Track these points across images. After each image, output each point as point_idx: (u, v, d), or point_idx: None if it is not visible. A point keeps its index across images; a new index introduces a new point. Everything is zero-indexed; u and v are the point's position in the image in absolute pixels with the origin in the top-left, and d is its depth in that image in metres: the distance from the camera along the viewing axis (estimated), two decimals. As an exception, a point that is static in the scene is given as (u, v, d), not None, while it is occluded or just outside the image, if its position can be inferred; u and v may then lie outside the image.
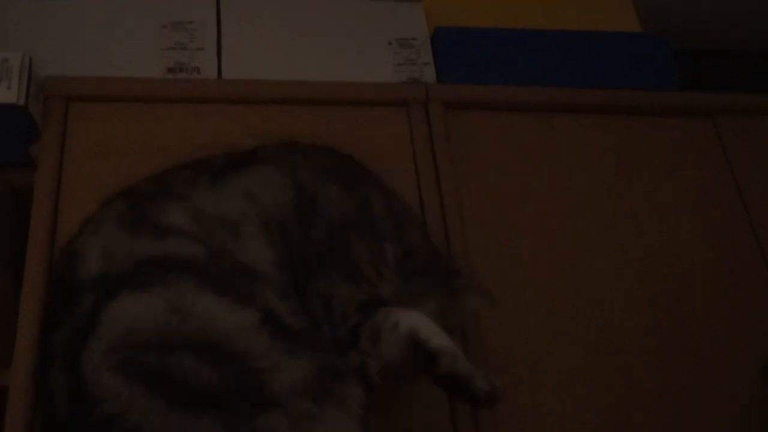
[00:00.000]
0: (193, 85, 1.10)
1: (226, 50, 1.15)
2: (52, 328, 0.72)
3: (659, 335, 1.07)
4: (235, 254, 0.73)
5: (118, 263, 0.71)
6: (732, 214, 1.19)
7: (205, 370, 0.63)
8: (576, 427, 0.98)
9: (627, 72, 1.31)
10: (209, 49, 1.14)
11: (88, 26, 1.13)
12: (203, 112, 1.06)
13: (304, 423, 0.63)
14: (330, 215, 0.80)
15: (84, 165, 0.98)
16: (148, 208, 0.77)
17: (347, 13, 1.24)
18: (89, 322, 0.66)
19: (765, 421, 1.04)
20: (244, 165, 0.84)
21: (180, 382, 0.62)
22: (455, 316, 0.83)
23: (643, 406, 1.02)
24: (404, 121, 1.13)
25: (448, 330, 0.76)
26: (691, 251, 1.14)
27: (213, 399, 0.62)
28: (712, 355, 1.07)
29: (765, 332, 1.11)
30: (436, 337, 0.73)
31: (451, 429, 0.92)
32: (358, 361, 0.73)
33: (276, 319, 0.68)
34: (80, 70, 1.06)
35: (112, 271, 0.71)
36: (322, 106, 1.11)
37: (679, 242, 1.15)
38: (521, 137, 1.17)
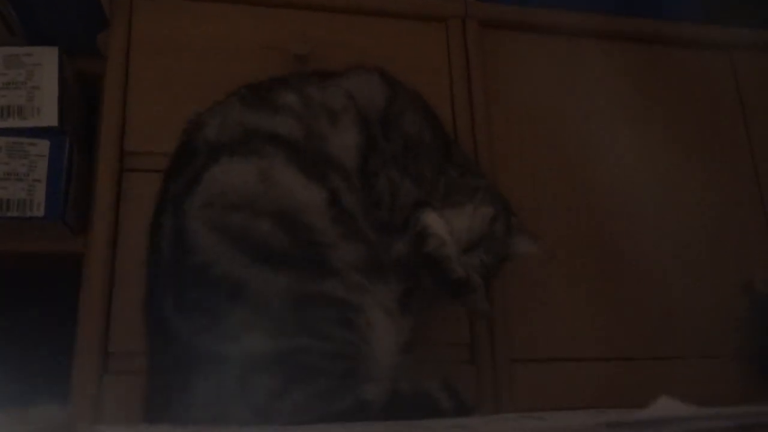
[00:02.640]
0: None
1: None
2: (169, 179, 0.83)
3: (659, 252, 1.19)
4: (326, 139, 0.84)
5: (230, 132, 0.82)
6: (736, 147, 1.29)
7: (280, 234, 0.74)
8: (579, 337, 1.11)
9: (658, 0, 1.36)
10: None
11: None
12: (257, 15, 1.12)
13: (357, 291, 0.76)
14: (409, 132, 0.91)
15: (147, 57, 1.06)
16: (267, 92, 0.88)
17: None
18: (195, 180, 0.77)
19: (741, 326, 1.17)
20: (350, 71, 0.95)
21: (260, 242, 0.74)
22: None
23: (641, 314, 1.15)
24: (442, 36, 1.19)
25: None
26: (695, 180, 1.24)
27: (286, 259, 0.73)
28: (703, 274, 1.19)
29: (750, 260, 1.22)
30: (439, 229, 0.83)
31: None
32: (403, 251, 0.84)
33: (339, 204, 0.79)
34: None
35: (224, 138, 0.81)
36: (368, 17, 1.17)
37: (685, 170, 1.24)
38: (552, 59, 1.24)
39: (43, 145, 0.97)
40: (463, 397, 0.78)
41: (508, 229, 0.89)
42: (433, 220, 0.83)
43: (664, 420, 0.38)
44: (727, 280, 1.20)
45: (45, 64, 0.99)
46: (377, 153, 0.86)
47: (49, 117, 0.98)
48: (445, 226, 0.84)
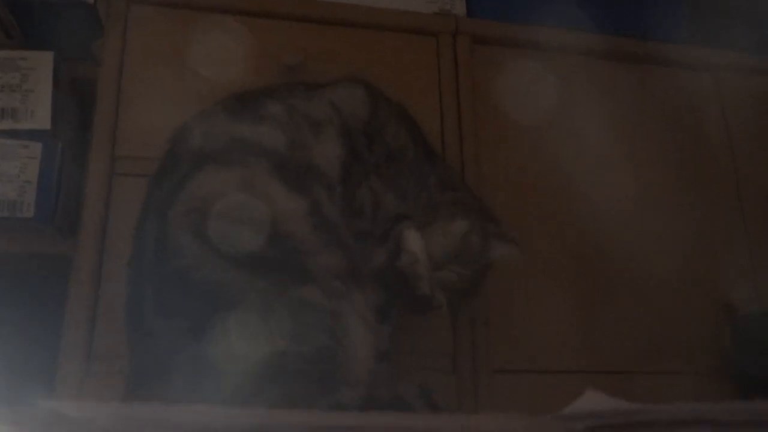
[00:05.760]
0: (244, -3, 1.17)
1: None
2: (154, 185, 0.84)
3: (642, 267, 1.20)
4: (309, 149, 0.85)
5: (214, 141, 0.83)
6: (720, 166, 1.30)
7: (261, 242, 0.76)
8: (561, 349, 1.12)
9: (647, 20, 1.38)
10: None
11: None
12: (250, 25, 1.14)
13: (334, 297, 0.77)
14: (391, 145, 0.92)
15: (140, 64, 1.08)
16: (252, 102, 0.89)
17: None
18: (178, 187, 0.79)
19: (722, 344, 1.19)
20: (335, 83, 0.96)
21: (241, 248, 0.75)
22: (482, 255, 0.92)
23: (624, 328, 1.16)
24: (433, 51, 1.21)
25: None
26: (678, 197, 1.26)
27: (266, 266, 0.75)
28: (686, 291, 1.21)
29: (731, 278, 1.23)
30: (414, 245, 0.84)
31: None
32: (382, 262, 0.85)
33: (320, 213, 0.81)
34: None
35: (208, 146, 0.82)
36: (360, 29, 1.19)
37: (669, 186, 1.26)
38: (540, 76, 1.26)
39: (35, 148, 0.98)
40: (439, 403, 0.79)
41: (485, 238, 0.90)
42: (409, 236, 0.84)
43: (593, 413, 0.39)
44: (708, 296, 1.21)
45: (40, 68, 1.01)
46: (360, 164, 0.88)
47: (42, 120, 1.00)
48: (421, 244, 0.85)
